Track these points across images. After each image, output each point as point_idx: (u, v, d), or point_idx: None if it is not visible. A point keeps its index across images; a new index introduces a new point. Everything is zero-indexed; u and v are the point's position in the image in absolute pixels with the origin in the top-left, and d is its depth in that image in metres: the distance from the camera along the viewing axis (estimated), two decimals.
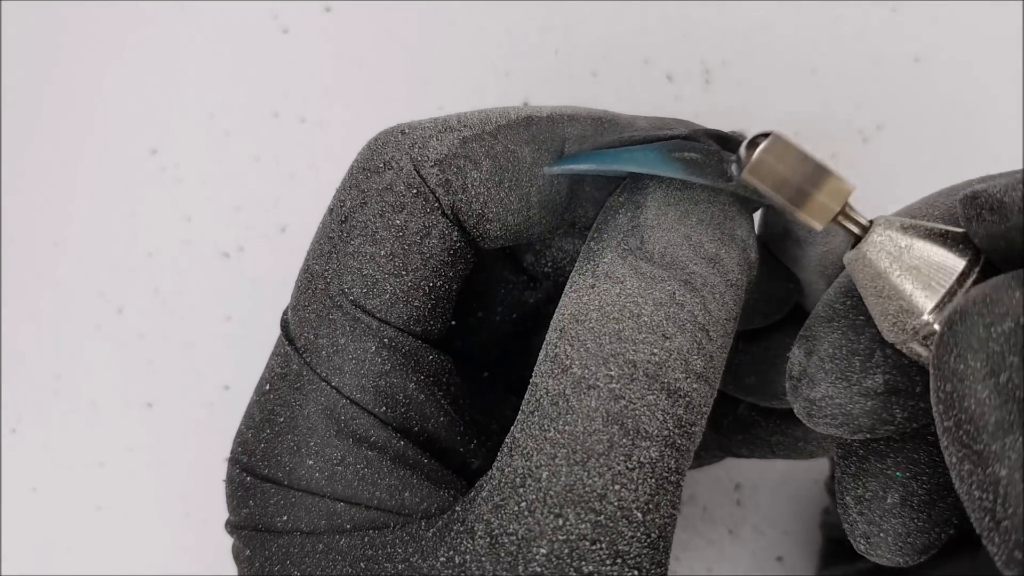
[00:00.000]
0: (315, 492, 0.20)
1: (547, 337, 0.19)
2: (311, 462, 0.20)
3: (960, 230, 0.18)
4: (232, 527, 0.21)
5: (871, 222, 0.18)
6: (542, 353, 0.19)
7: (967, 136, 0.36)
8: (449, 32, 0.37)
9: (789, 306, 0.24)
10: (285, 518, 0.20)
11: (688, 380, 0.18)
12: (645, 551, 0.17)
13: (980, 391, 0.14)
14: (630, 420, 0.17)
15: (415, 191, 0.20)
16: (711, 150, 0.20)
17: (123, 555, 0.34)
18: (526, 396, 0.19)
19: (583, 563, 0.17)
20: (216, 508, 0.34)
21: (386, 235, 0.20)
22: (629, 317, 0.18)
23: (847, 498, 0.20)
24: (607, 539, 0.17)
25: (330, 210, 0.21)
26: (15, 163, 0.37)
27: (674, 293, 0.18)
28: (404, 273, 0.20)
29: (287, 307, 0.22)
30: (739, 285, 0.19)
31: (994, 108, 0.36)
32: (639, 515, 0.17)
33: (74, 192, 0.36)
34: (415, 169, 0.20)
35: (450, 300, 0.21)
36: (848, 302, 0.19)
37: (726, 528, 0.34)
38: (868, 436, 0.19)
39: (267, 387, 0.21)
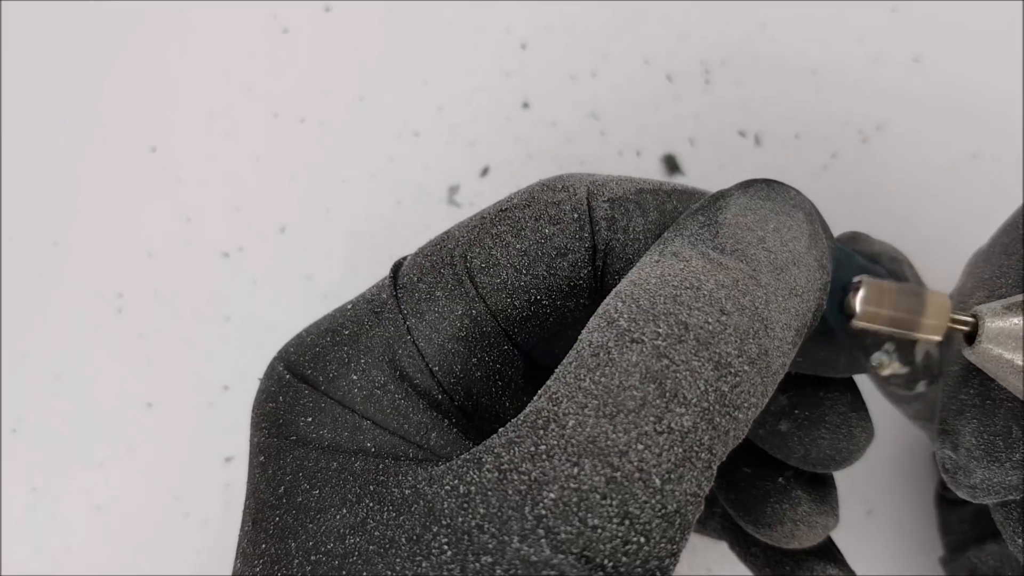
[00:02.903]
0: (347, 405, 0.20)
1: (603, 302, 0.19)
2: (355, 377, 0.20)
3: None
4: (254, 421, 0.21)
5: (974, 316, 0.20)
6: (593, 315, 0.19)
7: (967, 136, 0.36)
8: (449, 32, 0.37)
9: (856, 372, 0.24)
10: (310, 420, 0.20)
11: (740, 359, 0.18)
12: (657, 520, 0.17)
13: None
14: (669, 381, 0.17)
15: (576, 215, 0.21)
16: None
17: (123, 555, 0.34)
18: (569, 351, 0.18)
19: (589, 515, 0.16)
20: (216, 508, 0.34)
21: (530, 236, 0.21)
22: (689, 288, 0.18)
23: (1020, 540, 0.21)
24: (618, 497, 0.16)
25: (496, 202, 0.22)
26: (15, 163, 0.37)
27: (738, 280, 0.18)
28: (523, 273, 0.21)
29: (406, 256, 0.23)
30: (805, 299, 0.19)
31: (994, 108, 0.36)
32: (657, 481, 0.17)
33: (74, 192, 0.36)
34: (587, 198, 0.21)
35: (545, 324, 0.22)
36: (972, 391, 0.21)
37: None
38: None
39: (349, 306, 0.22)
